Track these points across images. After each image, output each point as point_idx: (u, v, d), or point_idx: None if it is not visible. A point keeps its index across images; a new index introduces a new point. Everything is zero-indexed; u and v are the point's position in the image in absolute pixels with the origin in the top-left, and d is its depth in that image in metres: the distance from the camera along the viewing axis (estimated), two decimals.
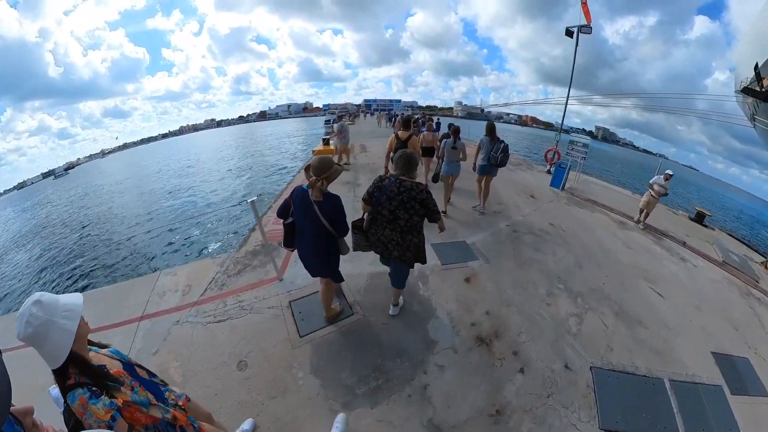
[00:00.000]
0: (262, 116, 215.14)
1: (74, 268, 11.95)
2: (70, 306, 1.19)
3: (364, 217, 3.10)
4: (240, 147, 52.96)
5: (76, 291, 2.59)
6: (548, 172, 11.36)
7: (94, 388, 1.18)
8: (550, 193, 9.32)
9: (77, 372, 1.18)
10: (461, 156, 6.13)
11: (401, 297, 3.69)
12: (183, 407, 1.62)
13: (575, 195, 9.35)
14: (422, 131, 13.21)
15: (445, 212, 6.43)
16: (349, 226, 2.93)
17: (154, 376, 1.60)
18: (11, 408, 0.53)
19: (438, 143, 7.27)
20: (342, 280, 3.17)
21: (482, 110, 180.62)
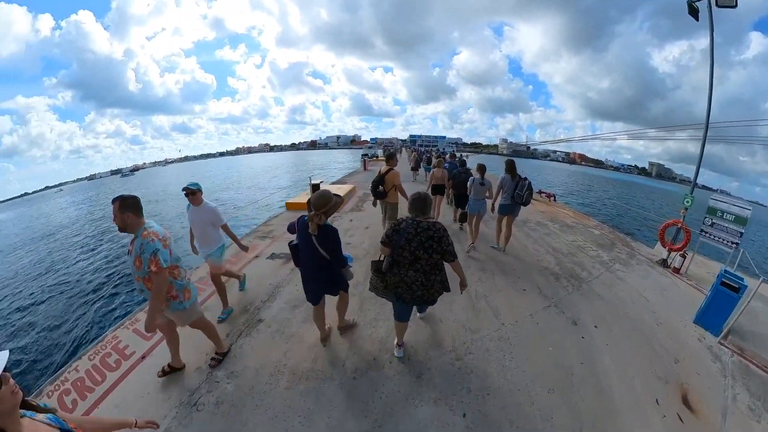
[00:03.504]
0: (312, 145, 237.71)
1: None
2: None
3: (382, 258, 3.11)
4: (290, 169, 63.17)
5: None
6: (667, 265, 6.41)
7: None
8: (703, 355, 3.92)
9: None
10: (488, 194, 6.07)
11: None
12: None
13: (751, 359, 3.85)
14: (430, 168, 12.12)
15: (468, 252, 6.37)
16: (347, 258, 3.18)
17: None
18: None
19: (450, 181, 7.71)
20: (351, 277, 3.38)
21: (528, 147, 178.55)
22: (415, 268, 2.82)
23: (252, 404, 2.97)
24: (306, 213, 2.93)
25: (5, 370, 1.03)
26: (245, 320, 4.30)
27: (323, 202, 2.78)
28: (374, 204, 6.51)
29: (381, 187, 5.96)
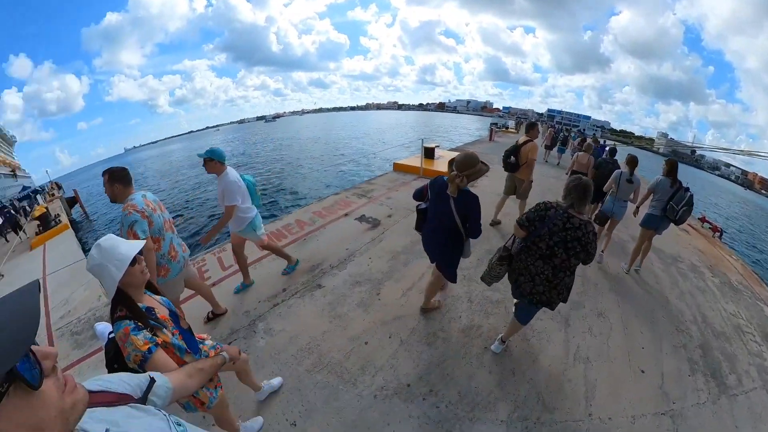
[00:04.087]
0: (441, 107, 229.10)
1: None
2: (122, 256, 1.37)
3: (513, 243, 2.76)
4: (414, 128, 62.93)
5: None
6: None
7: (138, 323, 1.39)
8: None
9: (126, 308, 1.41)
10: (632, 195, 4.92)
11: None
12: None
13: None
14: (564, 150, 11.78)
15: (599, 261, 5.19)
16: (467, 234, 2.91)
17: (193, 334, 1.78)
18: (33, 347, 0.54)
19: (593, 170, 6.02)
20: (455, 281, 3.15)
21: (693, 151, 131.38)
22: (545, 261, 2.52)
23: (269, 369, 2.89)
24: (444, 177, 2.79)
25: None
26: (306, 281, 4.18)
27: (468, 164, 2.59)
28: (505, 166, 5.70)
29: (513, 158, 5.29)
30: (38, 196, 22.03)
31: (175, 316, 1.65)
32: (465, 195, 2.67)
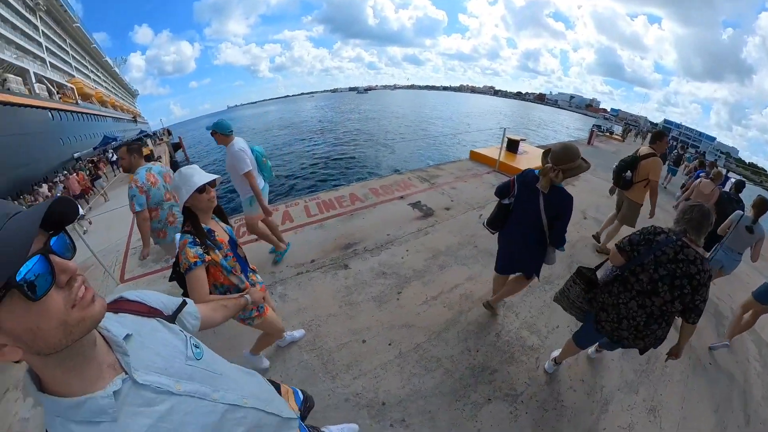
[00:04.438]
0: (540, 98, 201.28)
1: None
2: (193, 183, 1.62)
3: (604, 268, 2.31)
4: (509, 118, 58.22)
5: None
6: None
7: (196, 239, 1.64)
8: None
9: (191, 225, 1.68)
10: (751, 249, 3.71)
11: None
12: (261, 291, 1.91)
13: None
14: (676, 171, 9.94)
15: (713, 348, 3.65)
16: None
17: (247, 263, 2.06)
18: (55, 259, 0.56)
19: (713, 206, 4.74)
20: (537, 275, 2.77)
21: None
22: (643, 302, 2.00)
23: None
24: (535, 171, 2.45)
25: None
26: (336, 257, 4.08)
27: (567, 157, 2.25)
28: (611, 191, 4.65)
29: (629, 173, 4.18)
30: (147, 139, 26.26)
31: (234, 243, 1.91)
32: (558, 192, 2.31)
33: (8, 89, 20.31)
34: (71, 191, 13.80)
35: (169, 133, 31.97)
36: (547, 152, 2.39)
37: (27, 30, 28.17)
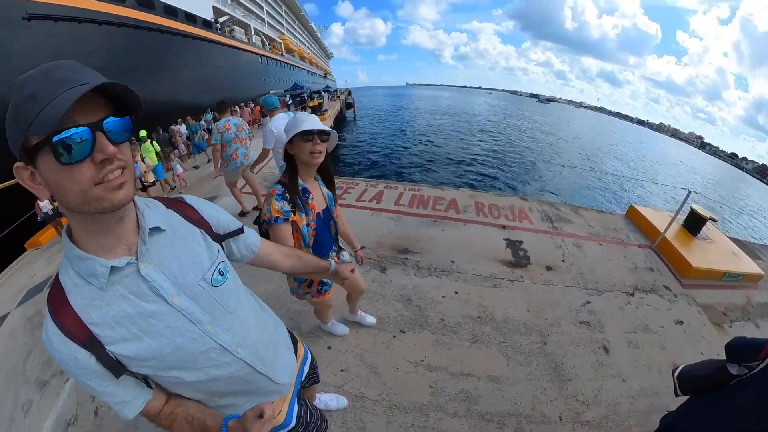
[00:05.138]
0: (762, 172, 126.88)
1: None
2: (297, 127, 1.42)
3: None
4: (710, 188, 37.15)
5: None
6: None
7: (286, 193, 1.48)
8: None
9: (287, 176, 1.53)
10: None
11: None
12: None
13: None
14: None
15: None
16: None
17: (337, 241, 1.90)
18: (100, 139, 0.61)
19: None
20: None
21: None
22: None
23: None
24: None
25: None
26: (382, 255, 3.78)
27: None
28: None
29: None
30: (324, 94, 31.25)
31: (327, 215, 1.72)
32: None
33: (233, 37, 27.43)
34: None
35: (349, 93, 38.66)
36: None
37: None
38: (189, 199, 0.92)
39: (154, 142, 8.59)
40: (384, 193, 5.45)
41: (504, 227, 4.52)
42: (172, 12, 17.50)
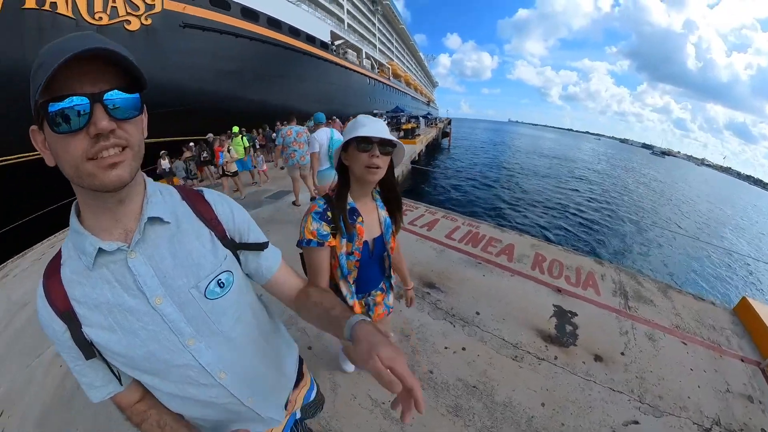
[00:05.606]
0: None
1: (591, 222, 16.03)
2: (354, 131, 1.19)
3: None
4: None
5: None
6: None
7: (328, 213, 1.24)
8: None
9: (336, 189, 1.29)
10: None
11: None
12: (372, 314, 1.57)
13: None
14: None
15: None
16: None
17: (389, 278, 1.60)
18: (97, 115, 0.60)
19: None
20: None
21: None
22: None
23: None
24: None
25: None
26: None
27: None
28: None
29: None
30: (422, 119, 32.67)
31: (380, 246, 1.42)
32: None
33: (346, 58, 31.61)
34: None
35: (449, 123, 42.27)
36: None
37: (368, 25, 42.09)
38: (209, 195, 0.85)
39: (244, 138, 9.41)
40: (439, 222, 5.38)
41: (560, 290, 3.76)
42: (295, 32, 21.50)
